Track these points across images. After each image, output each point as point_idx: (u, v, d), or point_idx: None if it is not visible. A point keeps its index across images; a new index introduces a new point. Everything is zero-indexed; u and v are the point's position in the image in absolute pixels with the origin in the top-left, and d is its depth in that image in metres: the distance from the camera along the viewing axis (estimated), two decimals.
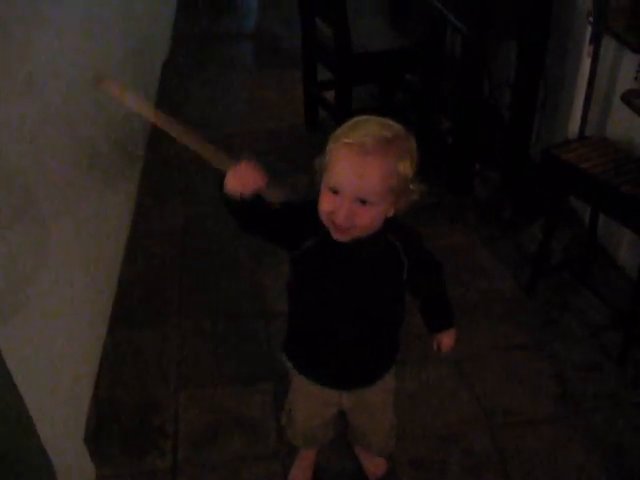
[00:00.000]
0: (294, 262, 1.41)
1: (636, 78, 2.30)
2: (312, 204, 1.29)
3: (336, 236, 1.28)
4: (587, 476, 1.92)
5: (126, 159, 2.96)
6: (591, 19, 2.31)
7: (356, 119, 1.27)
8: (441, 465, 1.96)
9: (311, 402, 1.66)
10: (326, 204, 1.25)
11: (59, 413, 1.86)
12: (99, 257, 2.41)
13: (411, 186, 1.28)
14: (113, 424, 2.09)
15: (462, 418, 2.09)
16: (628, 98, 2.31)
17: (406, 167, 1.24)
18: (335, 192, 1.23)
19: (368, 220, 1.25)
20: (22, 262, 1.64)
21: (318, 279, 1.39)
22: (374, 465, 1.94)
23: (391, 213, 1.30)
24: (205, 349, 2.34)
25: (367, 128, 1.22)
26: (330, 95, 3.41)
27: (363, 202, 1.22)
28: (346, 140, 1.21)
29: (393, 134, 1.23)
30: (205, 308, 2.52)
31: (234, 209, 1.31)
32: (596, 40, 2.28)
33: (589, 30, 2.39)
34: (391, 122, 1.26)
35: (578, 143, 2.31)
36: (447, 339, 1.64)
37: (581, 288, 2.52)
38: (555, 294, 2.53)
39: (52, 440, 1.69)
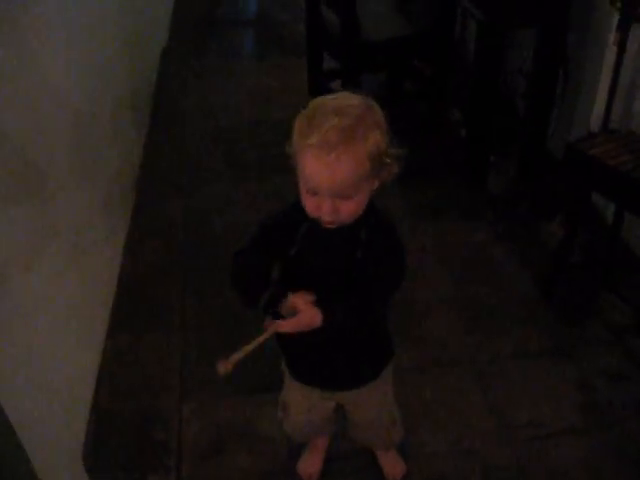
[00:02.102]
0: (286, 265, 1.37)
1: None
2: (287, 211, 1.32)
3: (326, 226, 1.26)
4: None
5: (123, 152, 2.84)
6: (618, 5, 2.17)
7: (313, 106, 1.20)
8: None
9: (305, 398, 1.60)
10: (309, 206, 1.24)
11: (53, 428, 1.74)
12: (99, 256, 2.30)
13: (388, 154, 1.22)
14: (113, 438, 1.97)
15: (482, 431, 1.97)
16: None
17: (377, 141, 1.19)
18: (314, 193, 1.21)
19: (353, 210, 1.23)
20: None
21: (306, 271, 1.34)
22: (392, 466, 1.85)
23: (377, 185, 1.26)
24: (210, 356, 2.21)
25: (326, 120, 1.15)
26: (336, 85, 3.28)
27: (343, 197, 1.20)
28: (309, 141, 1.15)
29: (354, 117, 1.16)
30: (210, 310, 2.39)
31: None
32: (624, 28, 2.15)
33: (614, 16, 2.25)
34: (348, 101, 1.20)
35: (604, 137, 2.18)
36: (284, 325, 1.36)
37: (603, 290, 2.40)
38: (576, 296, 2.40)
39: (44, 458, 1.56)
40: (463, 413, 2.02)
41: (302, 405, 1.64)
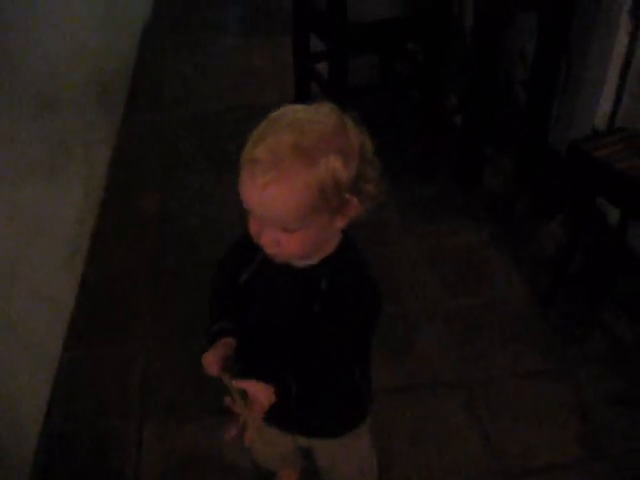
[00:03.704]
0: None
1: None
2: (240, 242, 1.14)
3: (273, 258, 1.06)
4: None
5: (94, 138, 2.63)
6: None
7: (274, 115, 1.00)
8: None
9: (266, 429, 1.36)
10: (250, 227, 1.03)
11: None
12: (55, 254, 2.10)
13: (353, 189, 0.99)
14: (65, 465, 1.80)
15: (471, 462, 1.79)
16: None
17: (334, 170, 0.96)
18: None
19: (297, 246, 1.01)
20: None
21: (255, 303, 1.16)
22: None
23: (343, 224, 1.04)
24: (174, 372, 2.03)
25: (276, 135, 0.95)
26: (324, 67, 3.06)
27: (285, 230, 0.99)
28: (247, 156, 0.97)
29: (311, 137, 0.95)
30: (176, 321, 2.19)
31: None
32: (638, 15, 1.94)
33: (626, 2, 2.04)
34: (316, 116, 0.99)
35: (611, 137, 1.98)
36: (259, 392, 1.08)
37: (606, 302, 2.21)
38: (577, 308, 2.21)
39: None
40: (451, 441, 1.84)
41: (265, 436, 1.45)
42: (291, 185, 0.94)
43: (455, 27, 3.04)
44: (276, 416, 1.15)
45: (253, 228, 1.03)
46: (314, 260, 1.07)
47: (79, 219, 2.40)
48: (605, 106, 2.19)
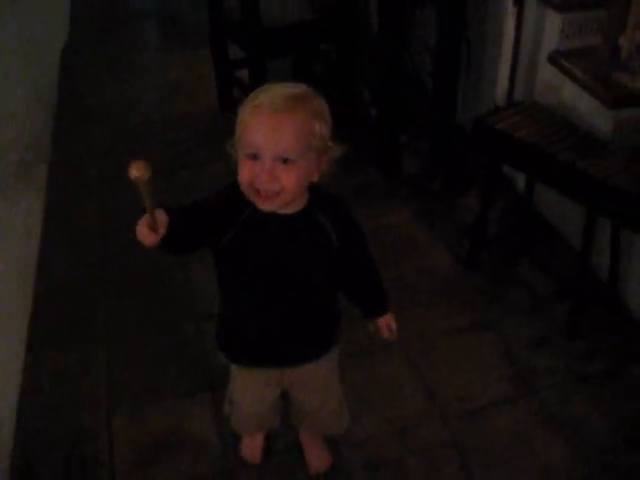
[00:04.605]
0: (220, 253, 1.33)
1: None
2: (228, 190, 1.28)
3: (262, 206, 1.25)
4: (549, 459, 1.85)
5: (27, 161, 2.72)
6: None
7: (262, 87, 1.26)
8: (397, 464, 1.85)
9: (251, 387, 1.60)
10: (246, 172, 1.22)
11: None
12: (7, 271, 2.20)
13: (330, 144, 1.27)
14: (42, 460, 1.90)
15: (415, 410, 1.99)
16: (554, 59, 2.23)
17: (321, 127, 1.23)
18: (254, 157, 1.20)
19: (293, 180, 1.21)
20: None
21: (248, 259, 1.33)
22: (317, 458, 1.84)
23: (316, 178, 1.28)
24: (135, 365, 2.16)
25: (274, 90, 1.23)
26: (244, 74, 3.23)
27: (284, 161, 1.20)
28: (256, 103, 1.21)
29: (302, 92, 1.23)
30: (132, 318, 2.32)
31: (165, 250, 1.22)
32: (520, 1, 2.18)
33: None
34: (296, 85, 1.26)
35: (509, 110, 2.22)
36: (392, 322, 1.59)
37: (522, 260, 2.45)
38: (496, 268, 2.45)
39: None
40: (395, 394, 2.03)
41: (249, 396, 1.64)
42: (295, 117, 1.19)
43: (362, 25, 3.25)
44: (273, 351, 1.46)
45: (251, 172, 1.20)
46: (295, 207, 1.29)
47: (26, 234, 2.50)
48: (503, 84, 2.42)
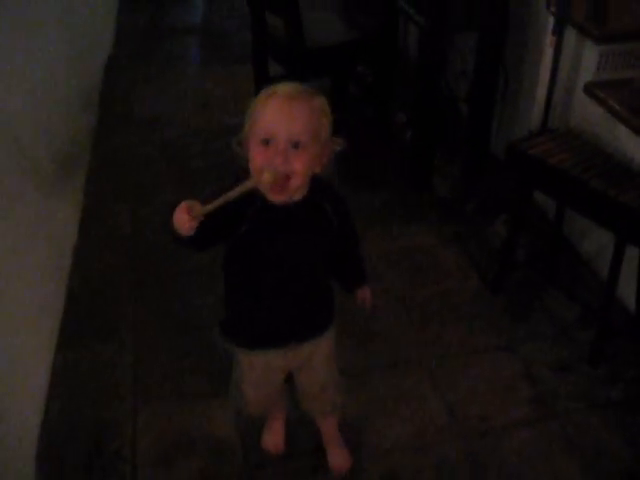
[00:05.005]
0: (235, 244, 1.41)
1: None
2: (234, 184, 1.31)
3: (275, 197, 1.32)
4: None
5: (69, 163, 2.80)
6: (553, 9, 2.24)
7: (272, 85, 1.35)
8: (414, 477, 1.87)
9: (257, 371, 1.65)
10: (259, 158, 1.28)
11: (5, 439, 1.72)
12: (44, 268, 2.27)
13: (331, 140, 1.36)
14: (67, 451, 1.95)
15: (435, 426, 2.01)
16: (590, 90, 2.27)
17: (327, 121, 1.34)
18: (266, 143, 1.27)
19: (304, 163, 1.29)
20: None
21: (262, 248, 1.41)
22: (339, 457, 1.89)
23: (318, 169, 1.36)
24: (161, 364, 2.21)
25: (285, 84, 1.32)
26: None
27: (296, 146, 1.27)
28: (272, 91, 1.30)
29: (310, 89, 1.33)
30: (160, 319, 2.38)
31: (187, 244, 1.29)
32: (559, 31, 2.22)
33: (550, 20, 2.32)
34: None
35: (543, 137, 2.25)
36: (369, 293, 1.69)
37: (548, 285, 2.46)
38: (522, 292, 2.46)
39: None
40: (416, 410, 2.06)
41: (255, 382, 1.69)
42: (307, 105, 1.29)
43: (400, 49, 3.31)
44: (281, 331, 1.55)
45: (264, 157, 1.27)
46: (301, 194, 1.36)
47: (63, 234, 2.57)
48: (538, 112, 2.45)
